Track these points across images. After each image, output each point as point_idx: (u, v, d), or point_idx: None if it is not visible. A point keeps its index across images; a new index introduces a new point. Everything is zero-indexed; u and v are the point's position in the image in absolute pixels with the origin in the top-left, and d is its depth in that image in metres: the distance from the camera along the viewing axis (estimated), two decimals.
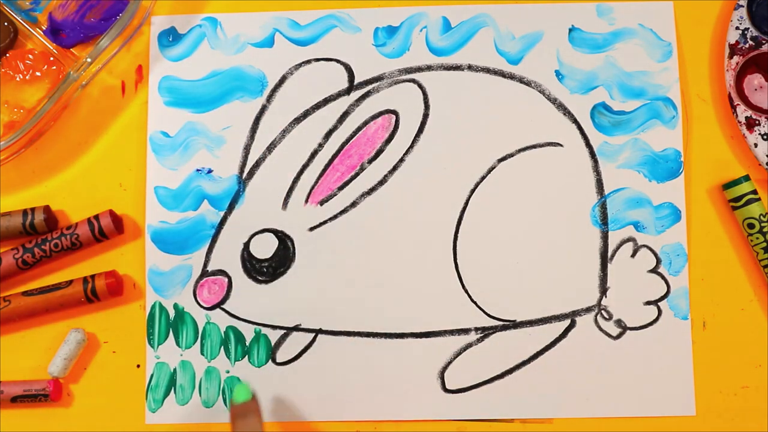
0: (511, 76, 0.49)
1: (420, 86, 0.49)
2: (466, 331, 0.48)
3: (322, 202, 0.49)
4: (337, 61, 0.49)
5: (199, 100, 0.49)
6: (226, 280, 0.48)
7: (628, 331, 0.48)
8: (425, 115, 0.49)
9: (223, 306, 0.48)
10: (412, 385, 0.48)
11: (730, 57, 0.48)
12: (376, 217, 0.48)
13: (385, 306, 0.48)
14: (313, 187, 0.49)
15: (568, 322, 0.48)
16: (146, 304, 0.49)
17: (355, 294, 0.48)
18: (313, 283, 0.48)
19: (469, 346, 0.48)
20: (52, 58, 0.49)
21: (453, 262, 0.48)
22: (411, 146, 0.49)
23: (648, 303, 0.48)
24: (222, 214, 0.49)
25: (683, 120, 0.49)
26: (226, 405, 0.48)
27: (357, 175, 0.49)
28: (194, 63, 0.50)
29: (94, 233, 0.47)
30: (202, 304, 0.49)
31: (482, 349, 0.48)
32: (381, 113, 0.49)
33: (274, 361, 0.48)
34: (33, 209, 0.48)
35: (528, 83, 0.49)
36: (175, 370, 0.48)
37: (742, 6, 0.48)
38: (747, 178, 0.47)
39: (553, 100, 0.49)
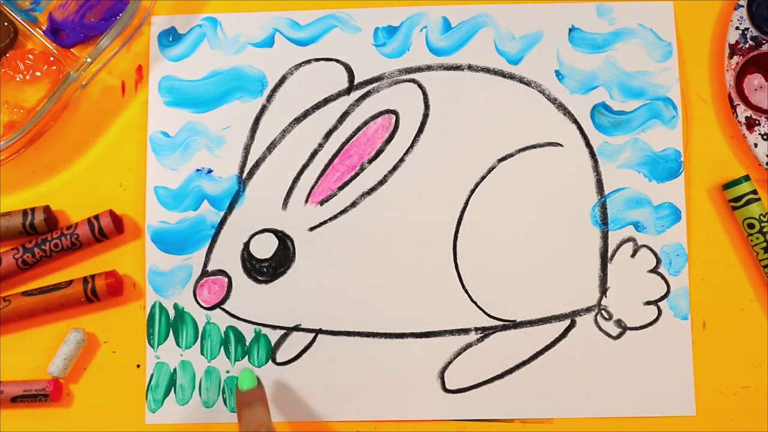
0: (511, 76, 0.49)
1: (420, 86, 0.49)
2: (466, 331, 0.48)
3: (322, 202, 0.49)
4: (337, 61, 0.49)
5: (199, 100, 0.49)
6: (226, 280, 0.48)
7: (628, 331, 0.48)
8: (425, 115, 0.49)
9: (223, 306, 0.48)
10: (412, 385, 0.48)
11: (730, 57, 0.48)
12: (376, 217, 0.48)
13: (385, 306, 0.48)
14: (313, 187, 0.49)
15: (568, 322, 0.48)
16: (146, 304, 0.49)
17: (355, 294, 0.48)
18: (313, 283, 0.48)
19: (469, 346, 0.48)
20: (52, 58, 0.49)
21: (453, 262, 0.48)
22: (411, 146, 0.49)
23: (648, 303, 0.48)
24: (222, 214, 0.49)
25: (683, 120, 0.49)
26: (226, 405, 0.48)
27: (357, 175, 0.49)
28: (194, 63, 0.50)
29: (94, 233, 0.47)
30: (202, 304, 0.49)
31: (482, 349, 0.48)
32: (381, 113, 0.49)
33: (274, 361, 0.48)
34: (33, 209, 0.48)
35: (528, 83, 0.49)
36: (175, 370, 0.48)
37: (742, 6, 0.48)
38: (747, 178, 0.47)
39: (553, 100, 0.49)
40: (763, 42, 0.48)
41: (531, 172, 0.48)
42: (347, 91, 0.49)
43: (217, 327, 0.48)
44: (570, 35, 0.49)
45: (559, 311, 0.48)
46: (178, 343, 0.48)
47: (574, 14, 0.49)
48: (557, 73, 0.49)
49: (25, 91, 0.49)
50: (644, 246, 0.48)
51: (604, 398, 0.47)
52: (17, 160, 0.49)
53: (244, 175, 0.49)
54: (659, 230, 0.48)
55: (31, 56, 0.49)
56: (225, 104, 0.49)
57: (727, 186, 0.48)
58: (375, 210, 0.48)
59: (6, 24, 0.49)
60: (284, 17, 0.50)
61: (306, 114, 0.49)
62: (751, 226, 0.47)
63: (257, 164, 0.49)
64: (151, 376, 0.48)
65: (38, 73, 0.49)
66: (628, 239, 0.48)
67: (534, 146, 0.49)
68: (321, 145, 0.49)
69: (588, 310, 0.48)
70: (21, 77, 0.49)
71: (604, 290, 0.48)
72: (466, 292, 0.48)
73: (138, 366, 0.48)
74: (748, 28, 0.48)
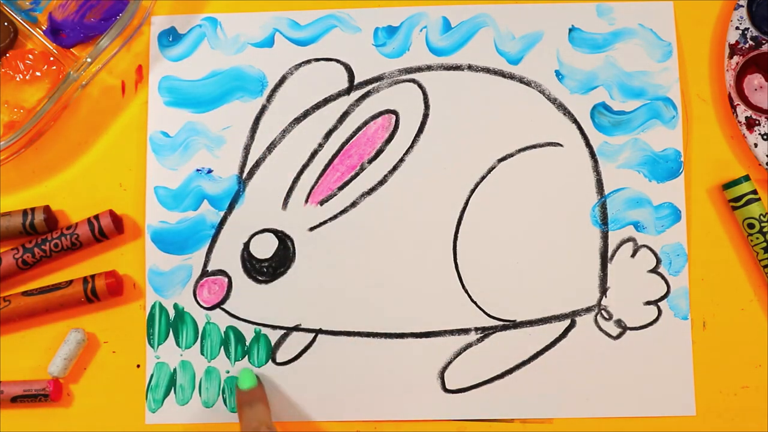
0: (511, 76, 0.49)
1: (420, 86, 0.49)
2: (466, 331, 0.48)
3: (322, 202, 0.49)
4: (337, 61, 0.49)
5: (199, 100, 0.49)
6: (226, 280, 0.48)
7: (628, 331, 0.48)
8: (425, 115, 0.49)
9: (223, 306, 0.48)
10: (412, 385, 0.48)
11: (730, 57, 0.48)
12: (376, 217, 0.48)
13: (385, 306, 0.48)
14: (313, 187, 0.49)
15: (568, 322, 0.48)
16: (146, 304, 0.49)
17: (355, 294, 0.48)
18: (313, 283, 0.48)
19: (469, 346, 0.48)
20: (52, 58, 0.49)
21: (453, 262, 0.48)
22: (411, 146, 0.49)
23: (648, 303, 0.48)
24: (222, 214, 0.49)
25: (683, 120, 0.49)
26: (226, 405, 0.48)
27: (357, 175, 0.49)
28: (194, 63, 0.50)
29: (94, 233, 0.47)
30: (202, 304, 0.49)
31: (482, 349, 0.48)
32: (381, 113, 0.49)
33: (274, 361, 0.48)
34: (33, 209, 0.48)
35: (528, 83, 0.49)
36: (175, 370, 0.48)
37: (742, 6, 0.48)
38: (747, 178, 0.47)
39: (553, 100, 0.49)
40: (763, 42, 0.48)
41: (531, 172, 0.48)
42: (347, 91, 0.49)
43: (217, 327, 0.48)
44: (570, 35, 0.49)
45: (559, 311, 0.48)
46: (178, 343, 0.48)
47: (574, 14, 0.49)
48: (557, 73, 0.49)
49: (25, 91, 0.49)
50: (644, 246, 0.48)
51: (604, 398, 0.47)
52: (17, 160, 0.49)
53: (244, 175, 0.49)
54: (659, 230, 0.48)
55: (31, 56, 0.49)
56: (225, 104, 0.49)
57: (727, 186, 0.48)
58: (375, 210, 0.48)
59: (6, 24, 0.49)
60: (284, 17, 0.50)
61: (306, 114, 0.49)
62: (751, 226, 0.47)
63: (257, 164, 0.49)
64: (151, 376, 0.48)
65: (38, 73, 0.49)
66: (628, 239, 0.48)
67: (534, 146, 0.49)
68: (321, 145, 0.49)
69: (588, 310, 0.48)
70: (21, 77, 0.49)
71: (604, 290, 0.48)
72: (466, 292, 0.48)
73: (138, 366, 0.48)
74: (748, 28, 0.48)
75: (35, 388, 0.47)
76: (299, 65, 0.49)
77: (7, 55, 0.49)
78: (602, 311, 0.48)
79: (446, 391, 0.48)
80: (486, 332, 0.48)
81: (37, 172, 0.50)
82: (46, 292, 0.48)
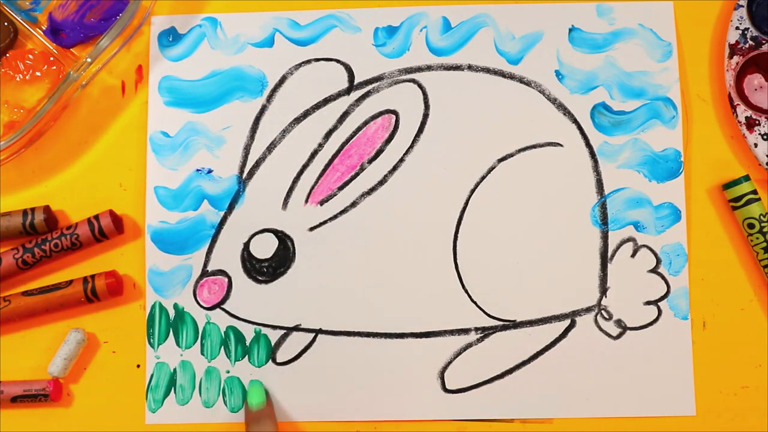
0: (511, 76, 0.49)
1: (420, 86, 0.49)
2: (466, 331, 0.48)
3: (322, 202, 0.49)
4: (337, 61, 0.49)
5: (199, 100, 0.49)
6: (226, 280, 0.48)
7: (628, 331, 0.48)
8: (425, 115, 0.49)
9: (223, 306, 0.48)
10: (412, 385, 0.48)
11: (730, 57, 0.48)
12: (376, 217, 0.48)
13: (385, 306, 0.48)
14: (313, 187, 0.49)
15: (568, 322, 0.48)
16: (146, 304, 0.49)
17: (355, 294, 0.48)
18: (313, 283, 0.48)
19: (469, 346, 0.48)
20: (52, 58, 0.49)
21: (453, 262, 0.48)
22: (411, 146, 0.49)
23: (648, 303, 0.48)
24: (222, 214, 0.49)
25: (683, 120, 0.49)
26: (226, 405, 0.48)
27: (357, 175, 0.49)
28: (194, 63, 0.50)
29: (94, 233, 0.47)
30: (202, 304, 0.49)
31: (482, 349, 0.48)
32: (381, 113, 0.49)
33: (274, 361, 0.48)
34: (33, 209, 0.48)
35: (528, 83, 0.49)
36: (175, 370, 0.48)
37: (742, 6, 0.48)
38: (747, 178, 0.47)
39: (553, 100, 0.49)
40: (763, 42, 0.48)
41: (531, 172, 0.48)
42: (347, 91, 0.49)
43: (217, 327, 0.48)
44: (570, 35, 0.49)
45: (559, 311, 0.48)
46: (178, 343, 0.48)
47: (574, 14, 0.49)
48: (557, 73, 0.49)
49: (25, 91, 0.49)
50: (644, 246, 0.48)
51: (604, 398, 0.47)
52: (17, 160, 0.49)
53: (244, 175, 0.49)
54: (659, 230, 0.48)
55: (31, 56, 0.49)
56: (225, 104, 0.49)
57: (727, 186, 0.48)
58: (375, 210, 0.48)
59: (6, 24, 0.49)
60: (284, 17, 0.50)
61: (306, 114, 0.49)
62: (751, 226, 0.47)
63: (257, 164, 0.49)
64: (151, 376, 0.48)
65: (38, 73, 0.49)
66: (628, 239, 0.48)
67: (534, 146, 0.49)
68: (321, 145, 0.49)
69: (588, 310, 0.48)
70: (21, 77, 0.49)
71: (604, 290, 0.48)
72: (466, 292, 0.48)
73: (138, 366, 0.48)
74: (748, 28, 0.48)
75: (35, 388, 0.47)
76: (299, 65, 0.49)
77: (7, 55, 0.49)
78: (602, 311, 0.48)
79: (446, 391, 0.48)
80: (486, 332, 0.48)
81: (37, 172, 0.50)
82: (46, 292, 0.48)
